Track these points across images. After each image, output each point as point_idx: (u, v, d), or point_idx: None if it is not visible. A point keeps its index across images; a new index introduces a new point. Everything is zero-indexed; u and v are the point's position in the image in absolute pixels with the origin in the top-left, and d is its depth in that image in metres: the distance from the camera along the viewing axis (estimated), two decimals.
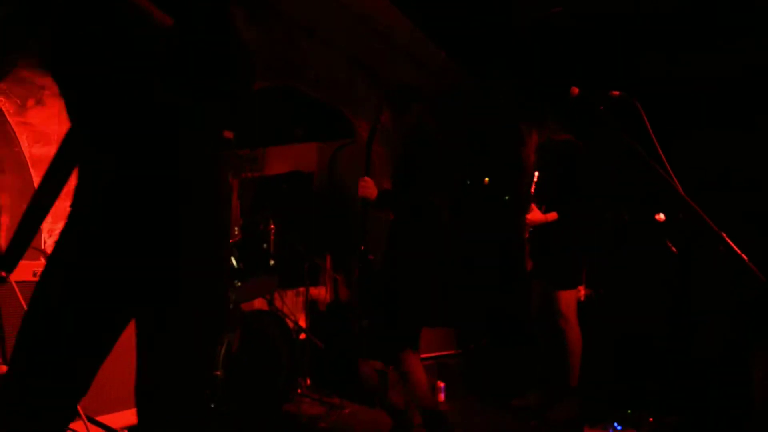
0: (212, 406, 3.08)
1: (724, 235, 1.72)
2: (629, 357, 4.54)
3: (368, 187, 3.21)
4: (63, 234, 1.43)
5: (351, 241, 6.44)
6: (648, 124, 2.06)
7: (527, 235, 4.12)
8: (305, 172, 6.89)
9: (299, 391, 4.10)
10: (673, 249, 4.33)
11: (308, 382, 4.23)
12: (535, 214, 3.97)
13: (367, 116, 5.70)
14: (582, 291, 4.12)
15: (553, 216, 3.91)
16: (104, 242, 1.36)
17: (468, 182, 5.90)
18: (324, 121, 6.18)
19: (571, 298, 3.93)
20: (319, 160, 6.97)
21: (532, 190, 4.07)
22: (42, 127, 1.81)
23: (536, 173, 4.10)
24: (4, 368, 2.00)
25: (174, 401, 1.36)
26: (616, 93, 2.11)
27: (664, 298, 4.73)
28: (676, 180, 1.93)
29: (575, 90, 2.16)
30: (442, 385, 4.33)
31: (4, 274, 1.42)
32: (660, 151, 2.00)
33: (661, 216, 4.65)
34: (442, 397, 4.29)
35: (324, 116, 5.86)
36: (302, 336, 4.45)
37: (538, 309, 4.09)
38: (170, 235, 1.36)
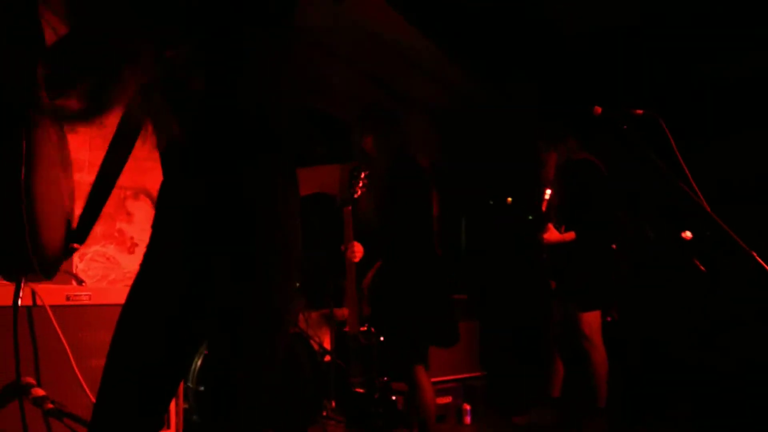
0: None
1: (755, 254, 1.70)
2: (655, 376, 4.47)
3: (359, 253, 3.28)
4: (150, 247, 1.47)
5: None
6: (672, 141, 2.05)
7: (545, 256, 4.09)
8: (329, 194, 6.92)
9: (324, 413, 4.09)
10: (701, 267, 4.27)
11: (333, 404, 4.22)
12: (552, 234, 3.93)
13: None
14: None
15: (570, 236, 3.88)
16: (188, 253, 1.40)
17: (491, 202, 5.90)
18: (346, 142, 6.23)
19: (594, 319, 3.88)
20: (342, 181, 7.00)
21: (543, 208, 4.04)
22: (75, 154, 1.86)
23: (548, 191, 4.06)
24: (41, 391, 2.04)
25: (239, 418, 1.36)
26: (640, 111, 2.11)
27: (691, 317, 4.66)
28: (702, 198, 1.92)
29: (598, 109, 2.17)
30: (468, 407, 4.29)
31: (77, 246, 1.48)
32: (685, 168, 1.99)
33: (688, 234, 4.60)
34: (468, 419, 4.25)
35: (346, 136, 5.91)
36: (327, 358, 4.45)
37: (559, 329, 4.06)
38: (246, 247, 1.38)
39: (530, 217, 4.61)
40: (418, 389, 3.13)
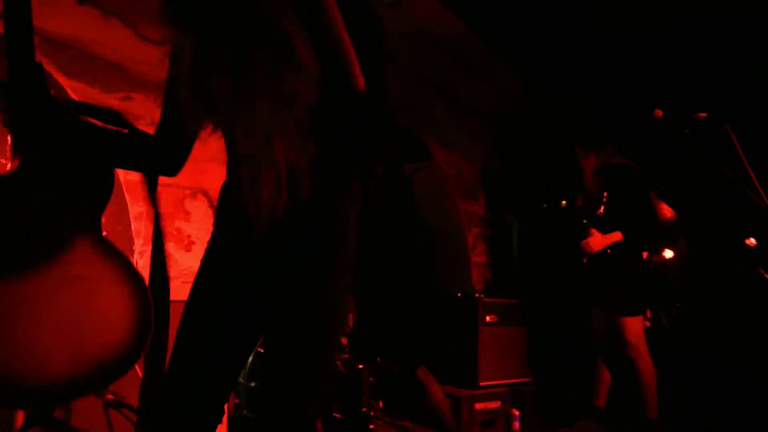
0: None
1: None
2: (713, 388, 4.32)
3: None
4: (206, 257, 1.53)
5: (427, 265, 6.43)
6: (738, 146, 1.98)
7: (585, 261, 4.00)
8: None
9: (372, 414, 4.10)
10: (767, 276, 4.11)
11: (380, 404, 4.23)
12: (596, 239, 3.84)
13: (444, 139, 5.72)
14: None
15: (618, 236, 3.78)
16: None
17: (545, 205, 5.81)
18: (401, 144, 6.24)
19: (638, 325, 3.77)
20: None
21: (600, 212, 3.96)
22: None
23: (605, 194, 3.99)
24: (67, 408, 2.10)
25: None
26: (703, 115, 2.04)
27: (754, 328, 4.49)
28: None
29: (659, 112, 2.11)
30: (516, 413, 4.24)
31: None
32: (752, 173, 1.92)
33: (752, 241, 4.43)
34: (517, 425, 4.20)
35: (400, 139, 5.92)
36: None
37: (603, 338, 3.96)
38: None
39: (585, 221, 4.54)
40: (426, 390, 3.14)
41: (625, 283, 3.81)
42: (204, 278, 1.49)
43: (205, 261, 1.51)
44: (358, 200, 1.49)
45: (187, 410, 1.41)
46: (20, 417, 2.04)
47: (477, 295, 4.38)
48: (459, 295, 4.52)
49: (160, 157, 1.57)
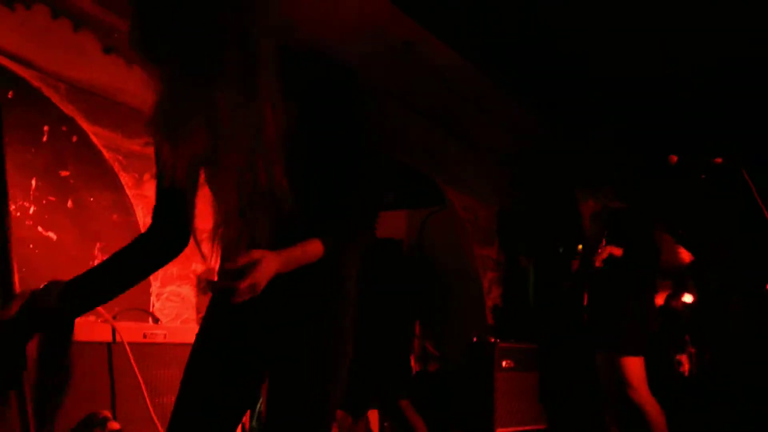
0: None
1: None
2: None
3: None
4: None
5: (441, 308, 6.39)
6: (754, 188, 1.98)
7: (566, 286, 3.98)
8: (395, 239, 6.95)
9: None
10: None
11: None
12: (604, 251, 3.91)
13: (459, 184, 5.75)
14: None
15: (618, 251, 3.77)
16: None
17: (561, 250, 5.78)
18: (413, 188, 6.27)
19: (638, 365, 3.68)
20: (408, 227, 7.03)
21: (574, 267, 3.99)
22: None
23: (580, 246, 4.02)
24: (116, 425, 2.10)
25: None
26: (719, 160, 2.05)
27: None
28: None
29: (674, 158, 2.12)
30: None
31: None
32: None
33: None
34: None
35: (413, 183, 5.95)
36: None
37: (607, 383, 3.87)
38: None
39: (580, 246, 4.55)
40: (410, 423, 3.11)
41: (624, 323, 3.76)
42: (207, 327, 1.52)
43: (208, 310, 1.54)
44: (354, 252, 1.50)
45: None
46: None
47: (492, 340, 4.34)
48: (474, 339, 4.48)
49: (153, 253, 1.54)
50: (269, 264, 1.23)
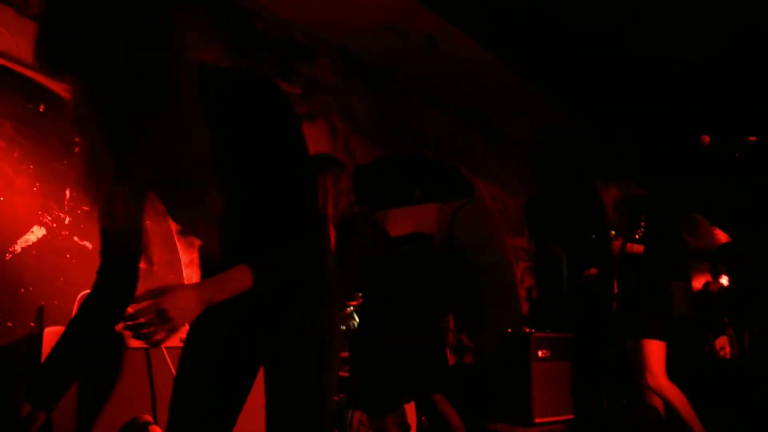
0: None
1: None
2: None
3: None
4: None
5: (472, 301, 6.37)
6: None
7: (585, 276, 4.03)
8: (425, 233, 6.94)
9: None
10: None
11: None
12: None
13: (486, 175, 5.72)
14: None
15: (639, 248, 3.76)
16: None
17: (593, 236, 5.72)
18: (443, 182, 6.26)
19: (658, 349, 3.63)
20: (438, 221, 7.02)
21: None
22: None
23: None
24: (158, 429, 2.14)
25: None
26: (753, 138, 2.00)
27: None
28: None
29: (706, 138, 2.08)
30: None
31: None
32: None
33: None
34: None
35: (443, 176, 5.94)
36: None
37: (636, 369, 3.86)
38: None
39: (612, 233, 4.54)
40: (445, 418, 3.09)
41: (645, 307, 3.71)
42: (198, 331, 1.54)
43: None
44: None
45: None
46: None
47: (528, 330, 4.31)
48: (510, 331, 4.46)
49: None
50: (181, 293, 1.22)
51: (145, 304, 1.18)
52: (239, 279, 1.29)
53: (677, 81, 4.81)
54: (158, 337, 1.18)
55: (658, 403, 3.87)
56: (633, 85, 4.98)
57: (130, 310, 1.25)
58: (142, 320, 1.16)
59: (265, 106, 1.32)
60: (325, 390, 1.47)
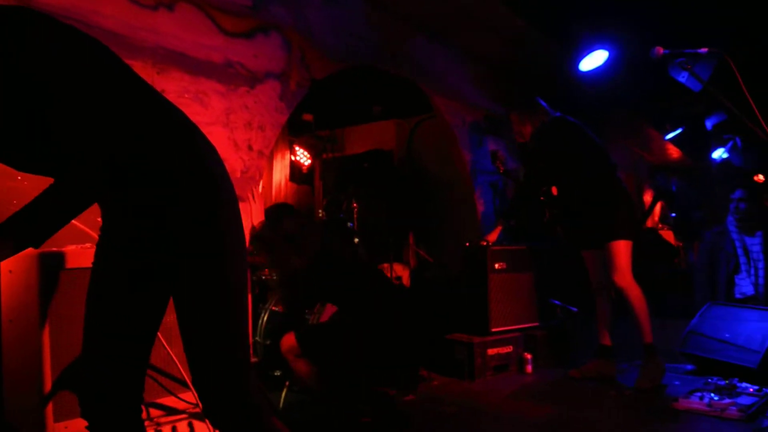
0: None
1: None
2: None
3: None
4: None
5: (432, 216, 6.46)
6: (740, 78, 1.97)
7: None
8: (385, 150, 6.94)
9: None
10: None
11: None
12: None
13: (445, 91, 5.68)
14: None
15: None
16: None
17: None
18: (401, 98, 6.20)
19: (624, 250, 3.82)
20: (398, 137, 7.01)
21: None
22: None
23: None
24: None
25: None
26: (704, 50, 2.02)
27: None
28: None
29: (659, 50, 2.09)
30: (529, 356, 4.31)
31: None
32: (754, 105, 1.91)
33: (761, 177, 4.45)
34: (529, 368, 4.28)
35: (401, 92, 5.87)
36: None
37: (595, 274, 4.09)
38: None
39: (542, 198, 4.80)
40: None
41: (617, 214, 3.87)
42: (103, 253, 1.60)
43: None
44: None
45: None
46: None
47: (484, 243, 4.41)
48: (467, 244, 4.55)
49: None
50: None
51: None
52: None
53: None
54: None
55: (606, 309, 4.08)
56: None
57: None
58: None
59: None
60: (231, 306, 1.58)
